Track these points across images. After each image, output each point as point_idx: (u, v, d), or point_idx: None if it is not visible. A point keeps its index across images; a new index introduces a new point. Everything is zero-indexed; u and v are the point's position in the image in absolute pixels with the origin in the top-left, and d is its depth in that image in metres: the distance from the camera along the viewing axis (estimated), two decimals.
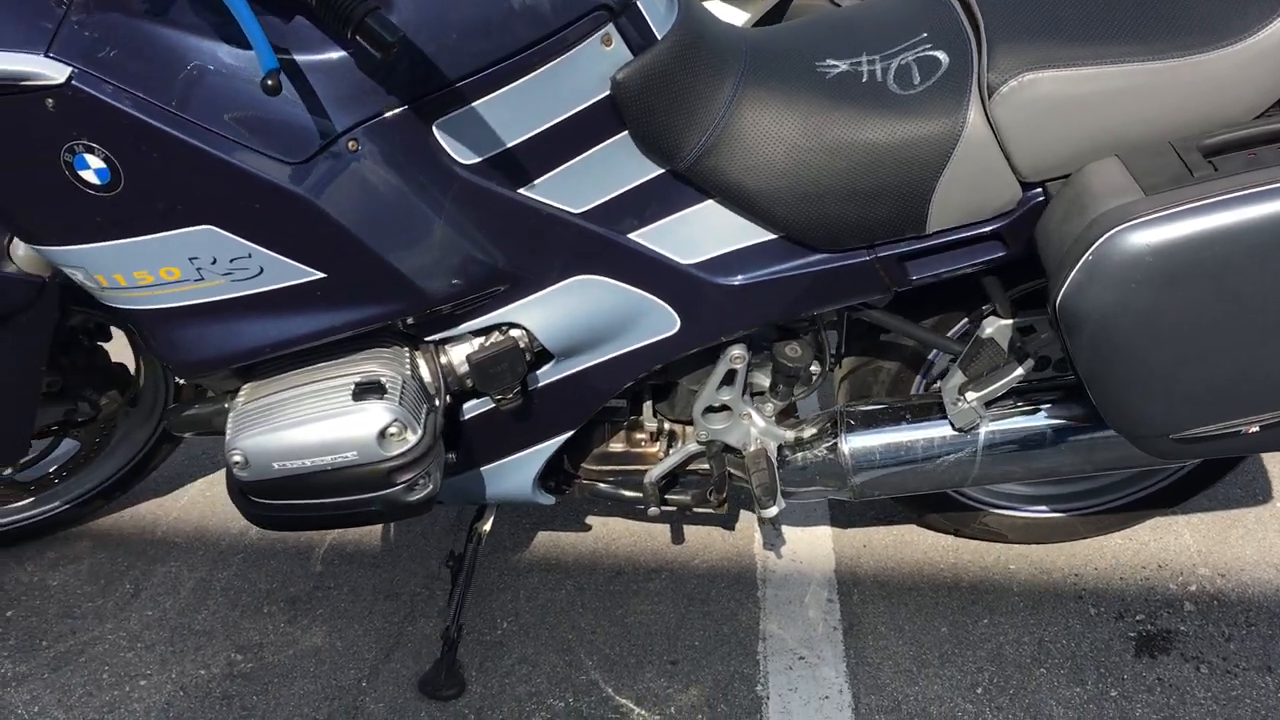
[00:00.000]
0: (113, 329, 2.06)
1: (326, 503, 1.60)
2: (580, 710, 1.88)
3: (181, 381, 2.01)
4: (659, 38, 1.51)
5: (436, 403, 1.63)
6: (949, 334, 1.82)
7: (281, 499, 1.61)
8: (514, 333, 1.66)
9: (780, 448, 1.87)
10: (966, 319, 1.85)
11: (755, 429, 1.85)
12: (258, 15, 1.30)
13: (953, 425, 1.80)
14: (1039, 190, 1.57)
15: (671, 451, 1.91)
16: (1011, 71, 1.49)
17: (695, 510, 1.96)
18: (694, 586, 2.15)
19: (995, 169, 1.54)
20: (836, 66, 1.62)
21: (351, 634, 2.02)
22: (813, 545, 2.25)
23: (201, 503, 2.32)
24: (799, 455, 1.88)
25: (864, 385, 1.96)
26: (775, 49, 1.67)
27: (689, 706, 1.89)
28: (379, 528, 2.25)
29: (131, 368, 2.08)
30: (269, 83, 1.26)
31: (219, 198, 1.40)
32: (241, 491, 1.62)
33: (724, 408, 1.84)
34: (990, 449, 1.82)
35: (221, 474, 2.30)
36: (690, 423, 1.90)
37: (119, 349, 2.08)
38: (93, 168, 1.37)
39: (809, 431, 1.89)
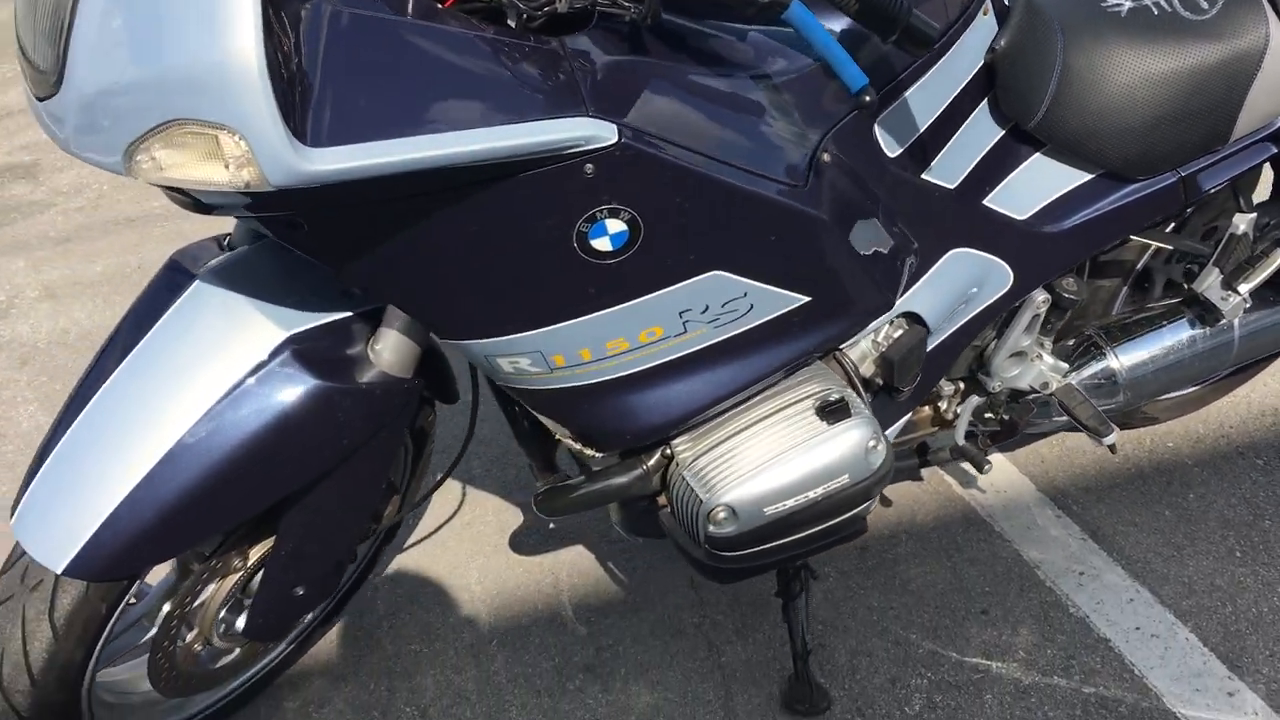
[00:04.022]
0: None
1: (809, 535, 1.53)
2: (945, 680, 1.90)
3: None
4: (1008, 3, 1.54)
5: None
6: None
7: (762, 544, 1.51)
8: (900, 319, 1.63)
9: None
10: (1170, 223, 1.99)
11: (1044, 367, 1.92)
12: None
13: (1217, 318, 1.95)
14: None
15: (960, 410, 1.94)
16: None
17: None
18: (937, 541, 2.20)
19: None
20: (1122, 5, 1.70)
21: (672, 682, 1.92)
22: (1001, 474, 2.35)
23: (403, 605, 2.09)
24: (1076, 381, 1.97)
25: (1082, 305, 2.07)
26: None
27: (1033, 645, 1.95)
28: (594, 568, 2.14)
29: None
30: (866, 98, 1.19)
31: (735, 238, 1.30)
32: (711, 551, 1.51)
33: (1018, 353, 1.89)
34: (1247, 331, 1.98)
35: (401, 564, 2.11)
36: (965, 378, 1.94)
37: None
38: (610, 233, 1.24)
39: (1076, 358, 1.98)
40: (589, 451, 1.53)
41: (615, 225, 1.23)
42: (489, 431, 2.49)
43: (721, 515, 1.46)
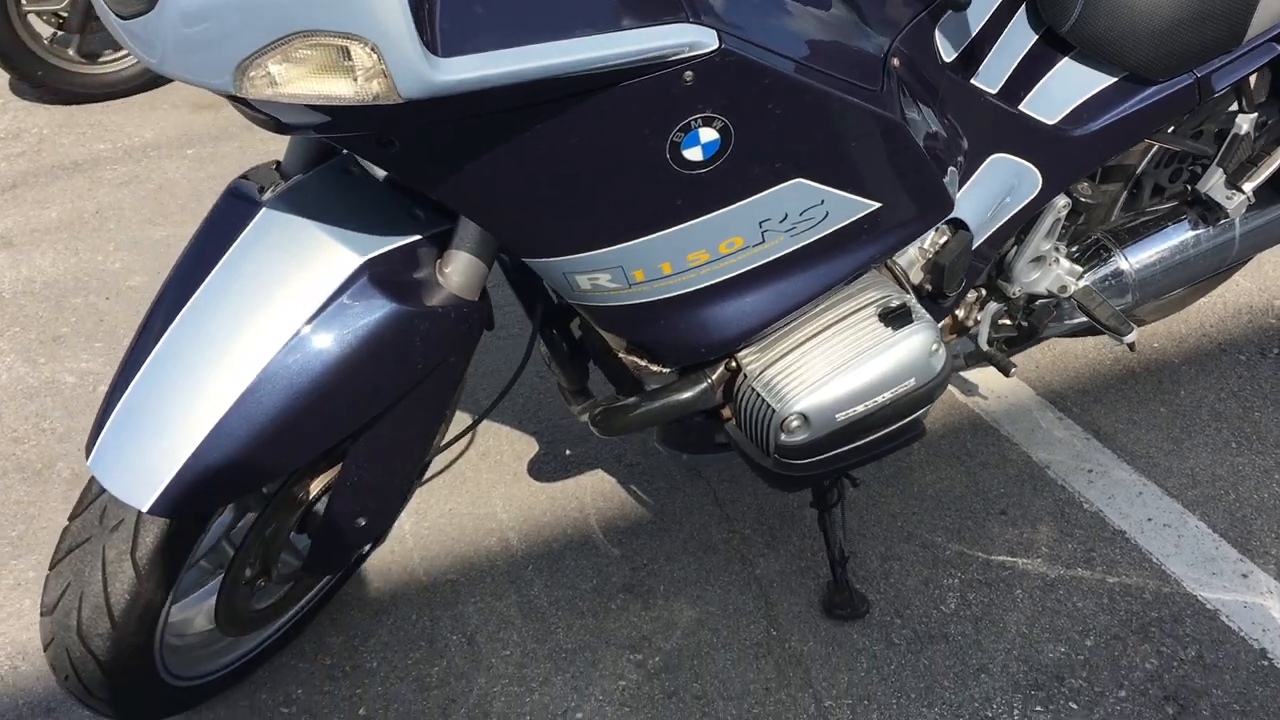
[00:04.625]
0: None
1: (874, 439, 1.56)
2: (975, 579, 1.96)
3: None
4: None
5: None
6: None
7: (831, 451, 1.54)
8: (945, 226, 1.66)
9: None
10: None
11: (1061, 271, 1.96)
12: None
13: (1220, 216, 2.02)
14: None
15: (980, 316, 1.98)
16: None
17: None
18: (948, 448, 2.25)
19: None
20: None
21: (711, 596, 1.95)
22: (1000, 380, 2.41)
23: (432, 537, 2.08)
24: (1089, 283, 2.02)
25: (1092, 210, 2.11)
26: None
27: (1053, 540, 2.02)
28: (617, 491, 2.15)
29: None
30: None
31: (819, 144, 1.31)
32: (780, 460, 1.53)
33: (1037, 258, 1.93)
34: (1247, 229, 2.06)
35: (424, 497, 2.10)
36: (985, 285, 1.98)
37: None
38: (703, 142, 1.24)
39: (1087, 261, 2.04)
40: (653, 368, 1.53)
41: (708, 134, 1.23)
42: (495, 362, 2.47)
43: (794, 424, 1.48)
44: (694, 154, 1.24)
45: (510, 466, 2.22)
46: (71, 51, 3.62)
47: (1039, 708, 1.75)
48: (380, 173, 1.47)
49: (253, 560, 1.55)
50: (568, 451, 2.25)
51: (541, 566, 2.01)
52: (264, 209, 1.36)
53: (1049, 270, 1.94)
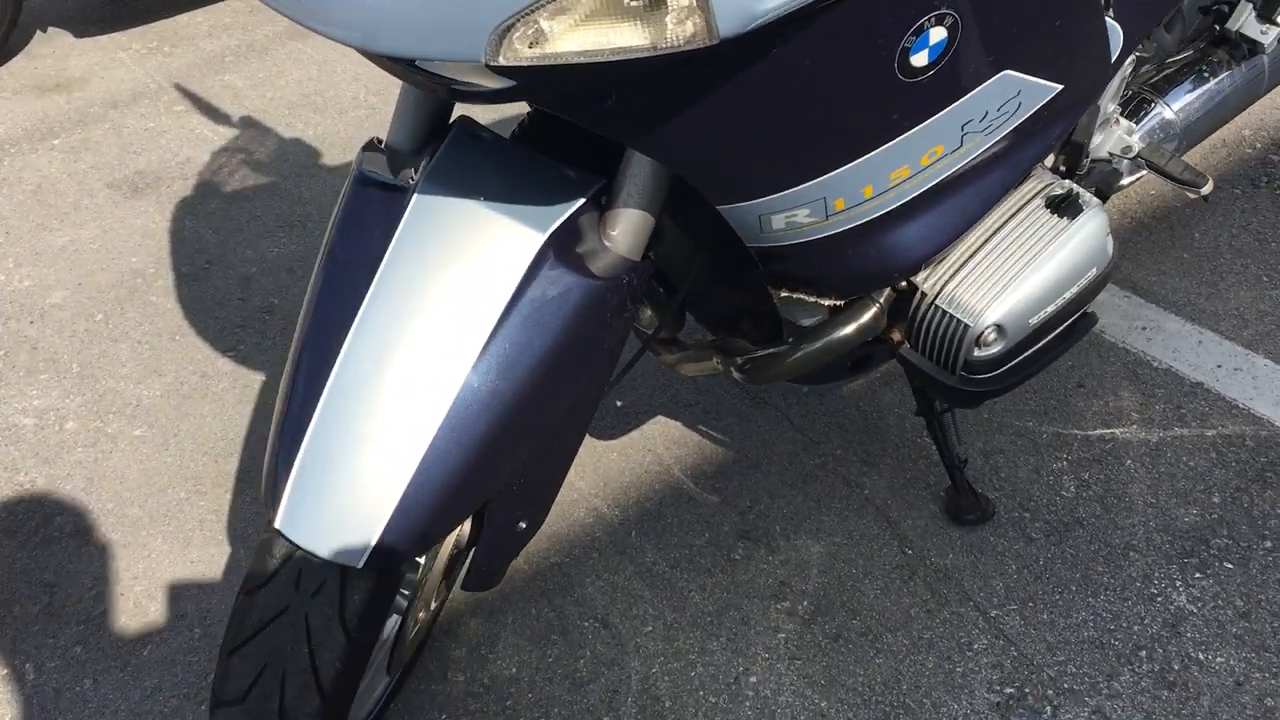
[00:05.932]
0: None
1: (1053, 339, 1.48)
2: (1081, 458, 1.93)
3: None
4: None
5: None
6: None
7: (1017, 358, 1.45)
8: None
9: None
10: None
11: (1121, 131, 1.91)
12: None
13: (1253, 52, 2.00)
14: None
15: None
16: None
17: None
18: None
19: None
20: None
21: (831, 526, 1.86)
22: None
23: None
24: (1138, 138, 1.97)
25: None
26: None
27: (1139, 404, 2.01)
28: (688, 435, 2.02)
29: None
30: None
31: (1033, 29, 1.21)
32: (967, 376, 1.43)
33: (1104, 120, 1.87)
34: (1275, 60, 2.04)
35: None
36: None
37: None
38: (931, 44, 1.11)
39: (1131, 116, 1.99)
40: (824, 302, 1.40)
41: (938, 34, 1.10)
42: None
43: (991, 337, 1.38)
44: (920, 59, 1.11)
45: None
46: None
47: (1198, 574, 1.73)
48: (506, 132, 1.28)
49: (416, 593, 1.37)
50: (619, 403, 2.10)
51: (645, 530, 1.87)
52: (415, 196, 1.16)
53: (1111, 132, 1.88)
